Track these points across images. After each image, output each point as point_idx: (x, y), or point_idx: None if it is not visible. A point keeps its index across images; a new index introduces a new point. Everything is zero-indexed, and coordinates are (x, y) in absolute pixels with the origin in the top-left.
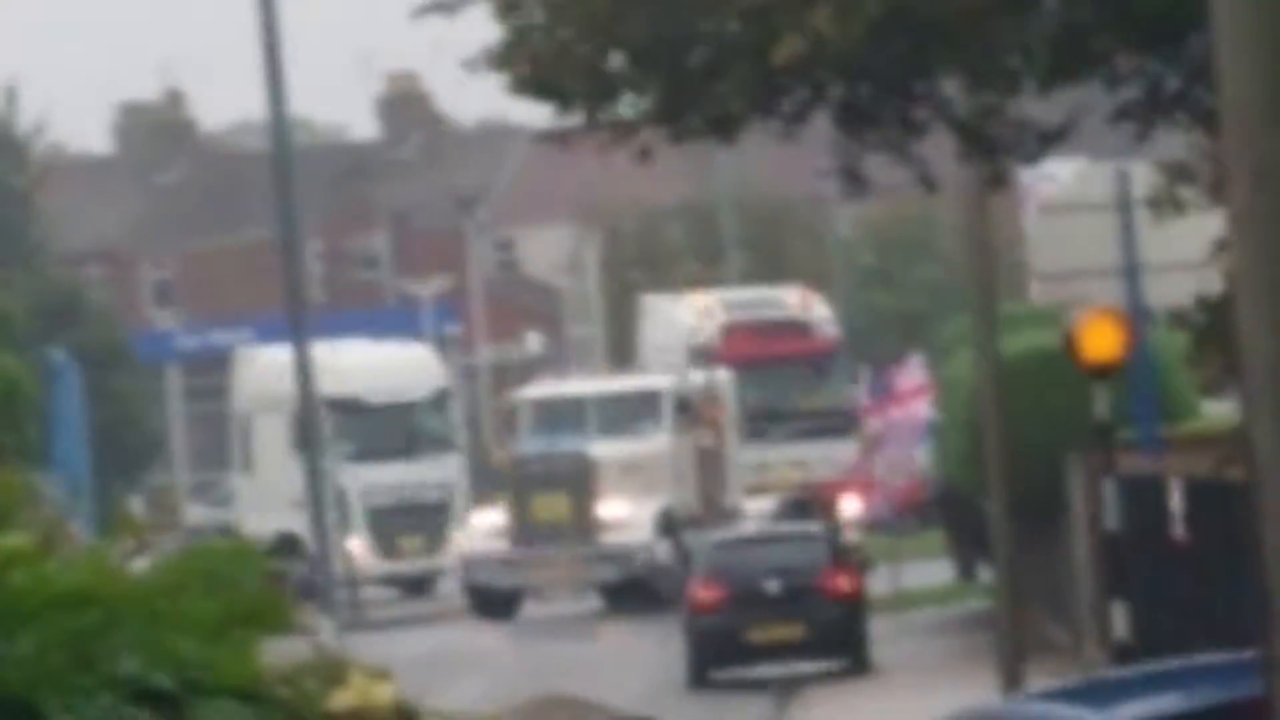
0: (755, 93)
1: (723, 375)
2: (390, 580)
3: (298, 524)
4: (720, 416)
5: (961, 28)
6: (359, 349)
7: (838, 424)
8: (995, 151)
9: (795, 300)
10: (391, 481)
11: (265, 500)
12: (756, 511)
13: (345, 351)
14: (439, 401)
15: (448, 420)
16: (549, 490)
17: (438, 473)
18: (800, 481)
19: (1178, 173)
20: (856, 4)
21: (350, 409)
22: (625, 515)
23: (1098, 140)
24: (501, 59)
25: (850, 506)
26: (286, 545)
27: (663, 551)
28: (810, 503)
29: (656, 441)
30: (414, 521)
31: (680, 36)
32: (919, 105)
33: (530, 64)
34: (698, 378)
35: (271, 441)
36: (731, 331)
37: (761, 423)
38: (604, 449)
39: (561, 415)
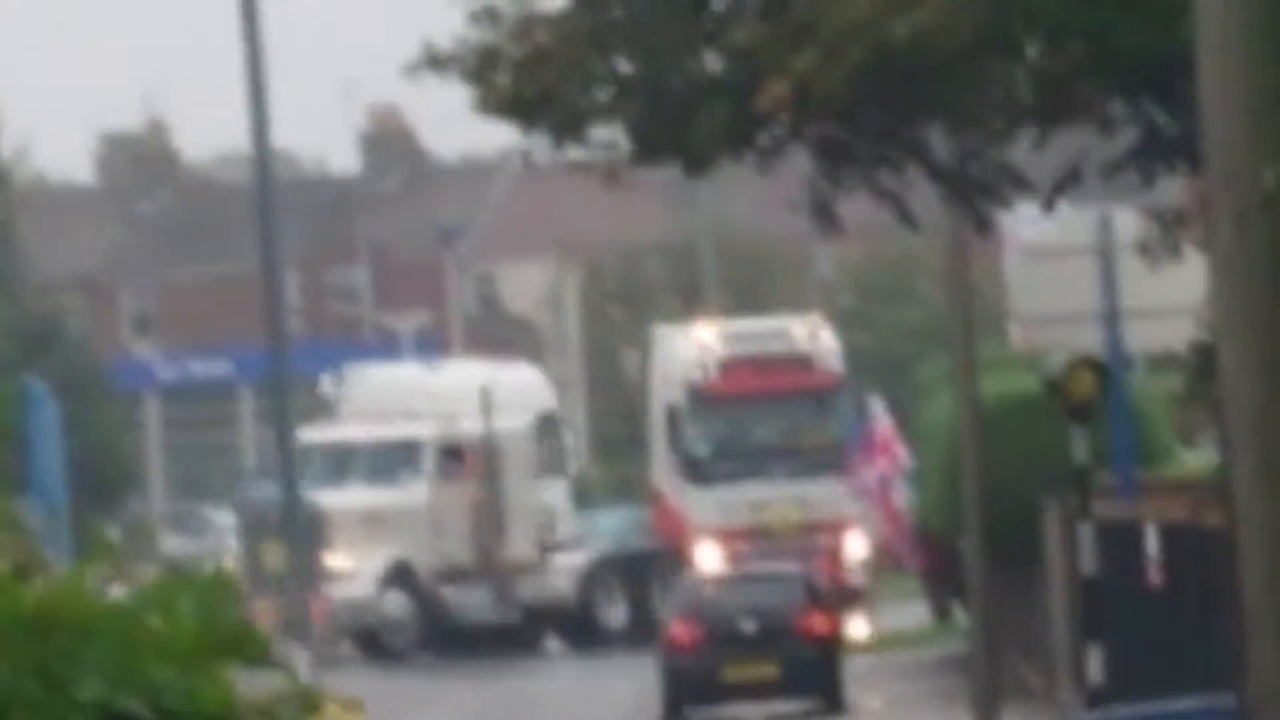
0: (731, 132)
1: (519, 424)
2: None
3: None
4: (501, 466)
5: (945, 74)
6: (460, 370)
7: (841, 461)
8: (978, 196)
9: (802, 333)
10: None
11: None
12: (566, 566)
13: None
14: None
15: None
16: (274, 538)
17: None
18: (801, 521)
19: (1174, 218)
20: (841, 49)
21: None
22: (350, 566)
23: (1080, 185)
24: (475, 74)
25: (856, 546)
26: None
27: (394, 604)
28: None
29: (413, 491)
30: None
31: (661, 71)
32: (899, 148)
33: (499, 88)
34: (475, 426)
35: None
36: (731, 366)
37: (752, 461)
38: (342, 498)
39: (336, 460)
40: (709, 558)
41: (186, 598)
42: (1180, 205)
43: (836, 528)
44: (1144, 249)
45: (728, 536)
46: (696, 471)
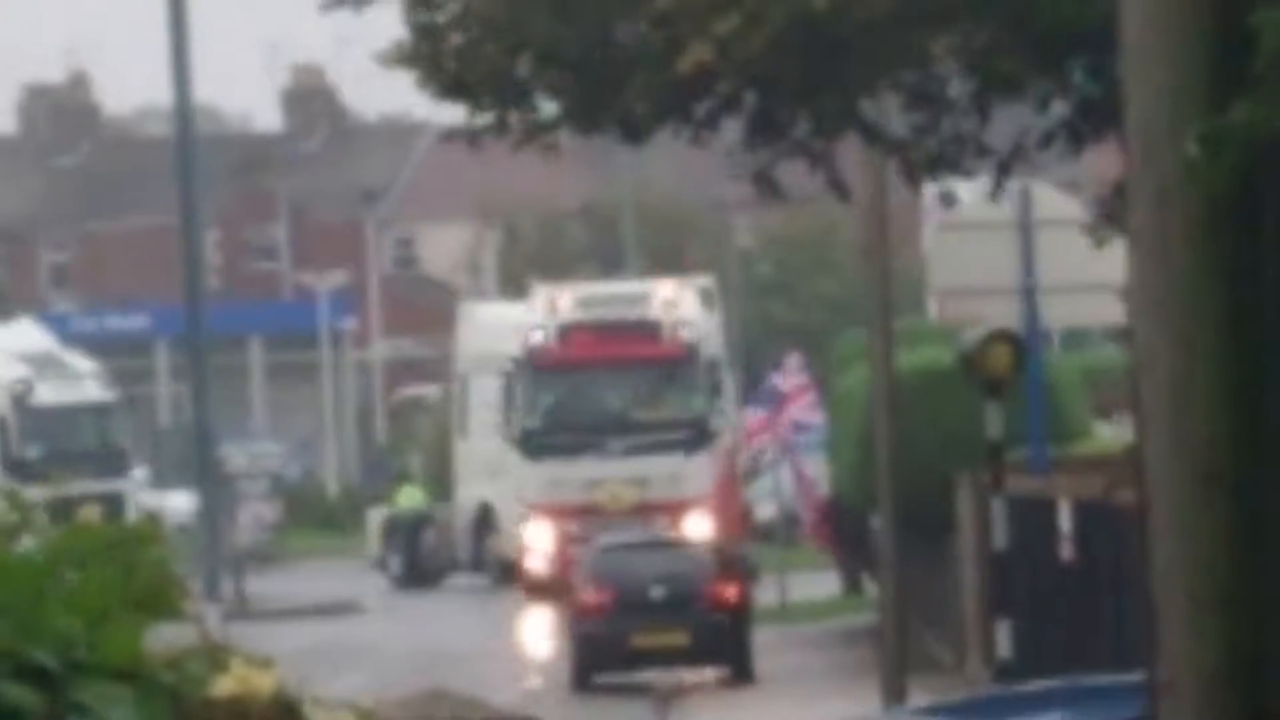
0: (662, 99)
1: None
2: None
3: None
4: None
5: (865, 42)
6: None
7: (686, 438)
8: (926, 166)
9: (662, 297)
10: None
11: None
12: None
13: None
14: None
15: None
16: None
17: None
18: (637, 501)
19: (1116, 193)
20: (761, 14)
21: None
22: None
23: (1022, 163)
24: (411, 56)
25: (696, 529)
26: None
27: None
28: None
29: None
30: None
31: (586, 40)
32: (831, 116)
33: (439, 63)
34: None
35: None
36: (571, 332)
37: (587, 435)
38: None
39: None
40: (539, 537)
41: (101, 551)
42: (1106, 180)
43: (676, 509)
44: (1091, 229)
45: (559, 514)
46: (528, 445)
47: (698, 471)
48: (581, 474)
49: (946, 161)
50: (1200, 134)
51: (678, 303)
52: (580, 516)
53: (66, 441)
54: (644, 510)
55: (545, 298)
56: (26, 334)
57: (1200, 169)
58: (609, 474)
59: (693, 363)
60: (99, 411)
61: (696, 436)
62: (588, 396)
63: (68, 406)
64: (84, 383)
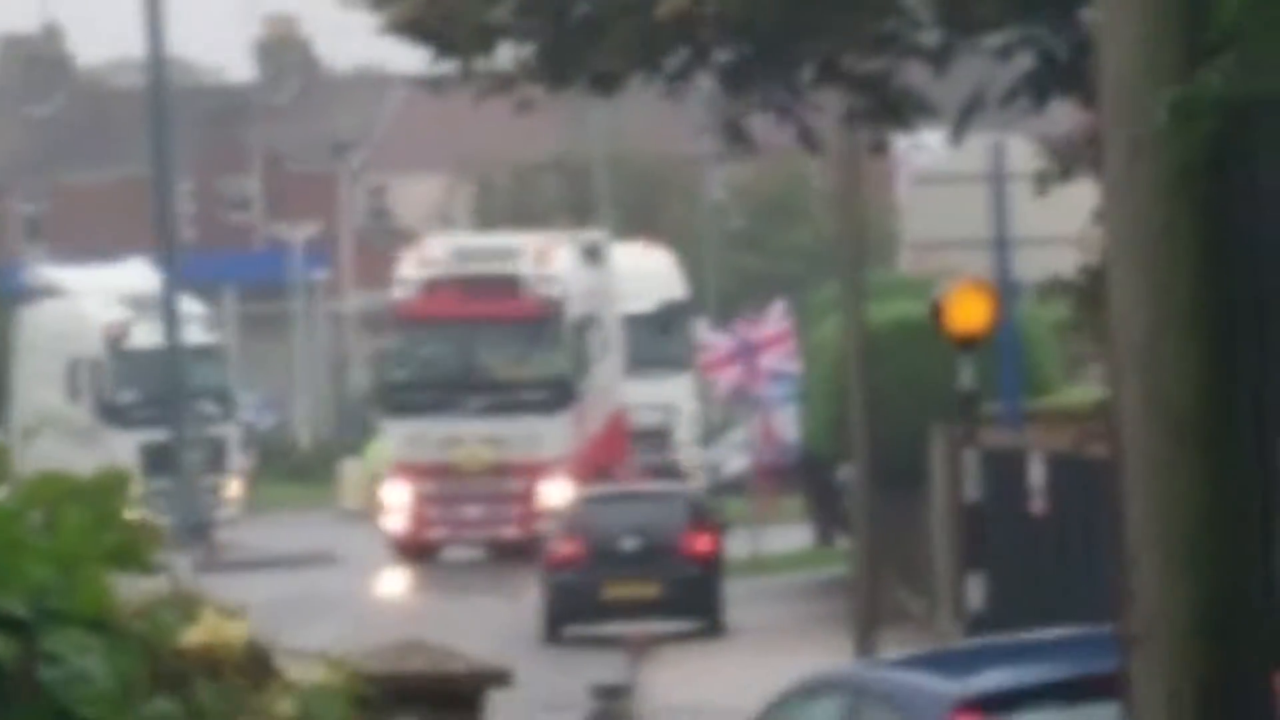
0: (637, 51)
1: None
2: None
3: None
4: None
5: None
6: None
7: (546, 398)
8: (882, 119)
9: (531, 252)
10: None
11: None
12: None
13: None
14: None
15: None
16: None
17: None
18: (494, 461)
19: (1067, 146)
20: None
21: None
22: None
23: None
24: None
25: (551, 493)
26: None
27: None
28: None
29: None
30: None
31: None
32: (803, 67)
33: (409, 7)
34: None
35: None
36: (435, 286)
37: (445, 393)
38: None
39: None
40: (397, 495)
41: (72, 500)
42: (1074, 132)
43: (533, 471)
44: (1039, 178)
45: (417, 473)
46: (388, 401)
47: (557, 432)
48: (439, 432)
49: (891, 112)
50: (1171, 103)
51: (548, 258)
52: (437, 476)
53: (164, 385)
54: (500, 471)
55: (417, 250)
56: (134, 275)
57: (1171, 137)
58: (466, 433)
59: (556, 321)
60: (200, 355)
61: (557, 396)
62: (449, 353)
63: (166, 350)
64: (186, 326)
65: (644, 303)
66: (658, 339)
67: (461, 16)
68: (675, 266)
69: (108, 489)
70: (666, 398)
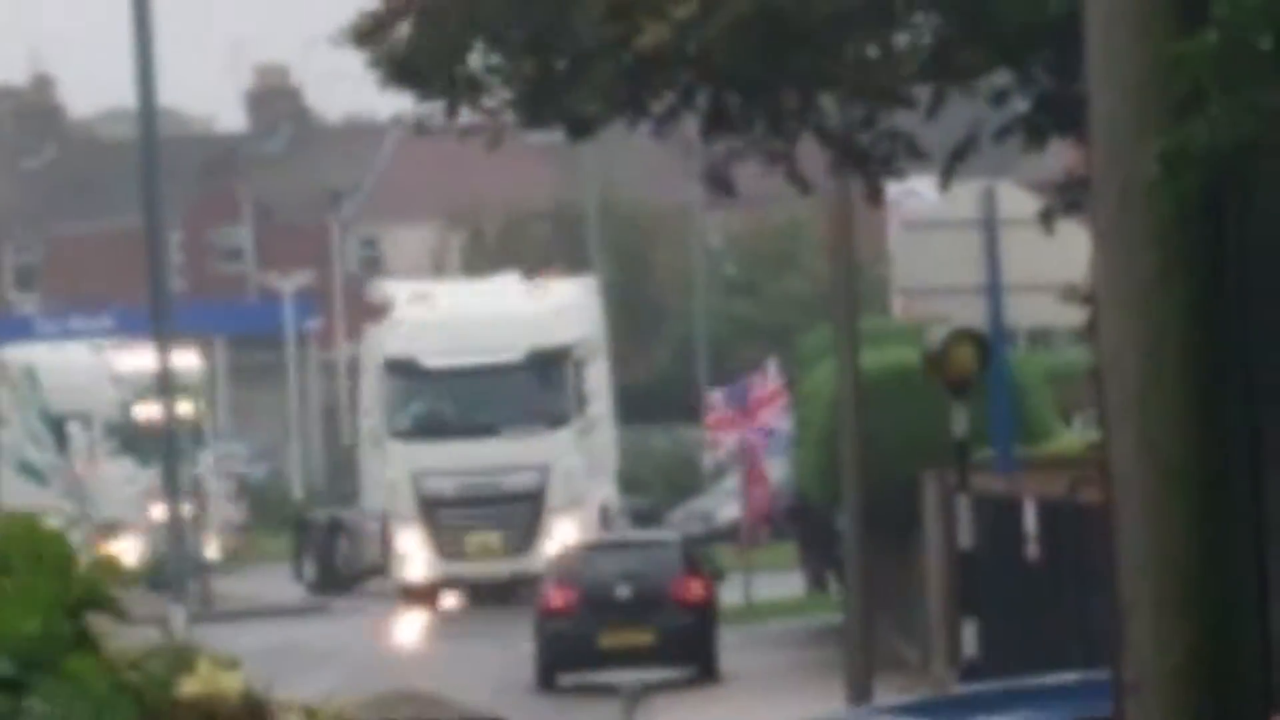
0: (615, 94)
1: None
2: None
3: None
4: None
5: (827, 36)
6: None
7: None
8: (870, 165)
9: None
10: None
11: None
12: None
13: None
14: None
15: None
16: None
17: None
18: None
19: (1058, 188)
20: (722, 1)
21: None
22: None
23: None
24: (364, 37)
25: (122, 552)
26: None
27: None
28: None
29: None
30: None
31: (543, 33)
32: (788, 113)
33: (390, 50)
34: None
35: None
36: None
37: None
38: None
39: None
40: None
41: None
42: (1067, 173)
43: (103, 532)
44: (1043, 215)
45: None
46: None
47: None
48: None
49: (878, 158)
50: (1161, 153)
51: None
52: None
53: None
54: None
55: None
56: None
57: (1162, 186)
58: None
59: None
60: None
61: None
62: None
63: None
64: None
65: (509, 354)
66: (533, 391)
67: (444, 61)
68: (577, 301)
69: (47, 540)
70: (541, 457)
